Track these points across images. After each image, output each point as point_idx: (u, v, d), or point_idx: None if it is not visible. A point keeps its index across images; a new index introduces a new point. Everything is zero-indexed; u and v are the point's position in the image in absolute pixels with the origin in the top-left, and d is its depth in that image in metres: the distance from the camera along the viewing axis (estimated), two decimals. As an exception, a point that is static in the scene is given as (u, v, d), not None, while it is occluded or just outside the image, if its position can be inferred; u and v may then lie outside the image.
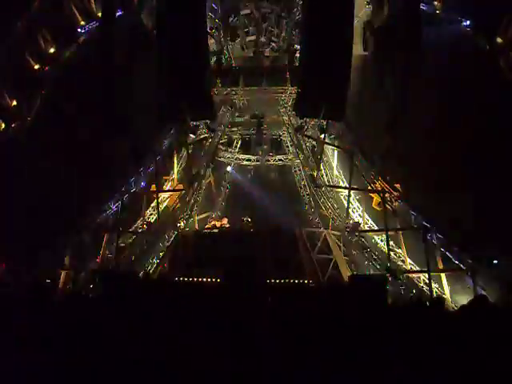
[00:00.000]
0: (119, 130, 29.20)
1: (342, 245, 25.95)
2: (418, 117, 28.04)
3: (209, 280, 22.82)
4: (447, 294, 23.75)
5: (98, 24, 31.81)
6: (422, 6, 29.47)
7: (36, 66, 30.94)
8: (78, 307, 14.86)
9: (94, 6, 31.64)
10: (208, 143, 29.48)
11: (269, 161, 30.52)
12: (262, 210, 28.72)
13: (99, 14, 31.67)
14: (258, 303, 14.75)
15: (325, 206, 27.40)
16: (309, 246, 25.27)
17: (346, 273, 24.20)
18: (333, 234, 26.36)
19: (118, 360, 11.93)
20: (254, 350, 12.43)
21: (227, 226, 28.82)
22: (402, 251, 25.68)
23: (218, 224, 29.03)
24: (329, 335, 13.08)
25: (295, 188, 30.29)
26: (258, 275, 19.65)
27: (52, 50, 31.23)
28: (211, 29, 29.35)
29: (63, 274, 25.95)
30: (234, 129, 30.67)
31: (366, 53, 30.19)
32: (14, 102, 30.18)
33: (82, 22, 31.82)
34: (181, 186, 28.37)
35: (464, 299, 20.93)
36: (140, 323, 13.45)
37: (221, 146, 30.63)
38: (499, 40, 27.79)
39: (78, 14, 31.56)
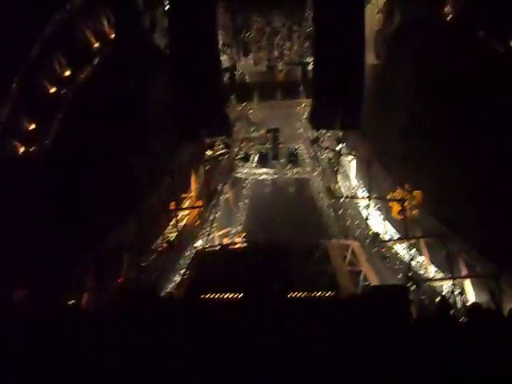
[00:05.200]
0: (136, 149, 29.39)
1: (364, 255, 25.73)
2: (434, 123, 27.93)
3: (233, 297, 22.66)
4: (470, 301, 23.48)
5: (111, 45, 32.09)
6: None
7: (52, 90, 31.25)
8: (102, 328, 14.90)
9: (107, 27, 31.91)
10: (225, 159, 29.53)
11: (286, 174, 30.40)
12: (284, 225, 28.53)
13: (112, 36, 31.95)
14: (284, 319, 14.68)
15: (344, 218, 27.25)
16: (340, 258, 25.10)
17: (374, 284, 24.00)
18: (356, 245, 26.17)
19: (140, 380, 11.93)
20: (276, 368, 12.35)
21: (243, 242, 28.65)
22: (424, 260, 25.42)
23: (238, 240, 28.94)
24: (352, 348, 12.97)
25: (314, 200, 30.13)
26: (287, 290, 19.58)
27: (67, 73, 31.54)
28: (223, 45, 29.44)
29: (85, 295, 26.04)
30: (250, 144, 30.62)
31: (379, 61, 30.12)
32: (32, 126, 30.49)
33: (96, 44, 32.09)
34: (199, 203, 28.42)
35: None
36: (162, 343, 13.43)
37: (237, 162, 30.59)
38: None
39: (91, 37, 31.85)
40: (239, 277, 22.89)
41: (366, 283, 24.06)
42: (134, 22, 30.95)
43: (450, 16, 29.41)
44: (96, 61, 32.18)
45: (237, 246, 28.35)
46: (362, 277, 24.46)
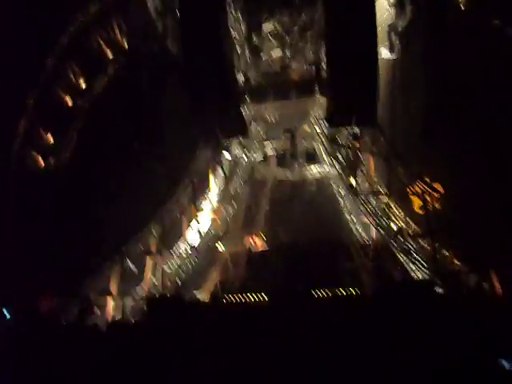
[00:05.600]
0: (155, 154, 29.55)
1: (389, 251, 25.62)
2: (452, 117, 27.71)
3: (260, 299, 22.68)
4: (499, 293, 23.21)
5: (125, 54, 32.27)
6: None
7: (69, 101, 31.49)
8: (127, 335, 15.06)
9: (119, 37, 32.08)
10: (243, 161, 29.58)
11: (305, 174, 30.33)
12: (306, 224, 28.46)
13: (125, 45, 32.11)
14: (310, 318, 14.72)
15: (366, 214, 27.13)
16: (362, 255, 25.08)
17: (397, 279, 23.93)
18: (379, 241, 26.08)
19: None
20: (306, 367, 12.38)
21: (266, 244, 28.67)
22: (448, 253, 25.22)
23: (260, 242, 28.93)
24: (378, 342, 12.96)
25: (335, 198, 30.04)
26: (310, 289, 19.61)
27: (83, 84, 31.75)
28: (236, 48, 29.50)
29: (110, 301, 26.25)
30: (267, 144, 30.61)
31: (393, 56, 29.94)
32: (51, 138, 30.74)
33: (110, 54, 32.27)
34: (220, 206, 28.47)
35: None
36: (189, 348, 13.53)
37: (256, 163, 30.61)
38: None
39: (105, 47, 32.04)
40: (263, 278, 22.95)
41: (391, 279, 23.98)
42: (147, 29, 31.10)
43: (463, 6, 29.07)
44: (111, 70, 32.34)
45: (259, 247, 28.38)
46: (385, 273, 24.38)
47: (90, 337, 16.59)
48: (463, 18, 28.45)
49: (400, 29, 29.85)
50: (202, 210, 29.16)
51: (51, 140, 30.71)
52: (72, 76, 31.55)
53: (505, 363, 12.17)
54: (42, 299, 25.01)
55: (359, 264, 24.23)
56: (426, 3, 28.88)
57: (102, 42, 31.79)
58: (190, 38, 26.95)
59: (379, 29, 27.67)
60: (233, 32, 29.06)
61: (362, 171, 28.36)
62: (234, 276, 25.05)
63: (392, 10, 30.34)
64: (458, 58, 27.65)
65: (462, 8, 28.57)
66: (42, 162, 30.44)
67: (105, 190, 28.65)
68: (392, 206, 26.88)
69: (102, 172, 29.15)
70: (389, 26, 30.12)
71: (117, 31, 32.00)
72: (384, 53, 29.66)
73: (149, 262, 27.29)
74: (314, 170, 30.42)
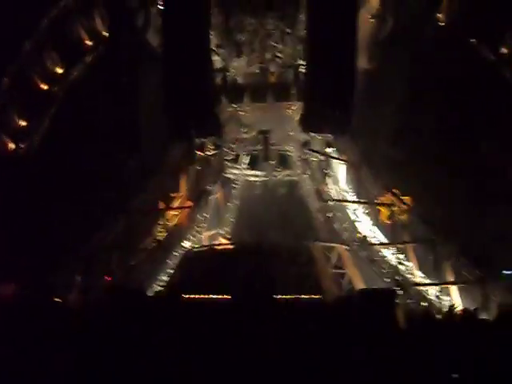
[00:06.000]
0: (127, 148, 29.38)
1: (351, 259, 25.84)
2: (426, 128, 28.08)
3: (220, 298, 22.67)
4: (458, 306, 23.56)
5: (104, 43, 31.98)
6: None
7: (44, 87, 31.08)
8: (87, 325, 14.93)
9: (100, 25, 31.80)
10: (215, 160, 29.58)
11: (276, 176, 30.43)
12: (272, 227, 28.55)
13: (105, 34, 31.84)
14: (270, 320, 14.75)
15: (332, 221, 27.36)
16: (325, 261, 25.24)
17: (359, 287, 24.11)
18: (343, 249, 26.27)
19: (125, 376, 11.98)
20: (263, 366, 12.42)
21: (231, 243, 28.69)
22: (411, 264, 25.53)
23: (225, 241, 28.97)
24: (337, 350, 13.06)
25: (303, 203, 30.18)
26: (271, 292, 19.63)
27: (60, 71, 31.38)
28: (216, 46, 29.49)
29: (73, 293, 26.01)
30: (240, 145, 30.64)
31: (372, 66, 30.24)
32: (23, 123, 30.29)
33: (89, 42, 31.95)
34: (189, 203, 28.42)
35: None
36: (148, 341, 13.49)
37: (228, 163, 30.63)
38: (504, 51, 27.69)
39: (84, 34, 31.71)
40: (225, 278, 22.95)
41: (351, 286, 24.17)
42: (128, 20, 30.89)
43: (443, 23, 29.50)
44: (89, 59, 32.02)
45: (224, 247, 28.37)
46: (346, 280, 24.59)
47: (50, 323, 16.36)
48: (441, 34, 28.91)
49: (380, 40, 30.19)
50: (171, 206, 29.07)
51: (23, 124, 30.24)
52: (49, 62, 31.13)
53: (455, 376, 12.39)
54: (3, 285, 24.68)
55: (321, 270, 24.38)
56: (406, 16, 29.23)
57: (81, 30, 31.45)
58: (170, 33, 26.93)
59: (359, 38, 27.95)
60: (214, 31, 29.07)
61: (331, 178, 28.62)
62: (196, 273, 24.98)
63: (373, 21, 30.67)
64: (434, 72, 28.08)
65: (441, 24, 29.06)
66: (12, 146, 29.96)
67: (74, 179, 28.33)
68: (359, 214, 27.16)
69: (72, 161, 28.83)
70: (369, 36, 30.45)
71: (98, 20, 31.67)
72: (362, 63, 29.96)
73: (114, 256, 27.09)
74: (285, 173, 30.52)
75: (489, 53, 27.57)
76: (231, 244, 28.35)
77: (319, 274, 24.00)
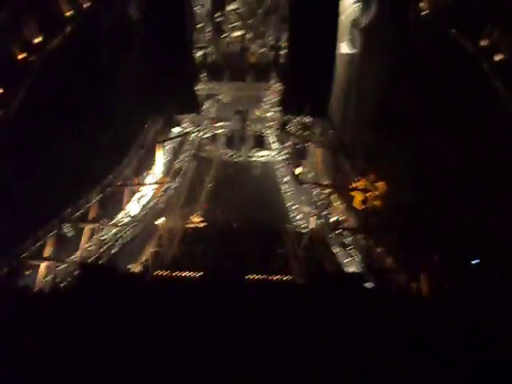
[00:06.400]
0: (103, 123, 29.08)
1: (323, 242, 26.02)
2: (405, 116, 28.20)
3: (190, 276, 22.76)
4: (425, 292, 23.92)
5: (84, 15, 31.45)
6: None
7: (21, 56, 30.52)
8: (57, 300, 14.85)
9: (81, -4, 31.25)
10: (191, 138, 29.48)
11: (252, 157, 30.45)
12: (245, 207, 28.61)
13: (86, 5, 31.30)
14: (239, 300, 14.84)
15: (307, 204, 27.49)
16: (294, 243, 25.39)
17: (328, 269, 24.31)
18: (315, 232, 26.44)
19: (92, 354, 11.96)
20: (233, 347, 12.51)
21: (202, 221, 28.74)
22: (381, 249, 25.79)
23: (198, 220, 28.96)
24: (305, 331, 13.19)
25: (278, 185, 30.28)
26: (241, 270, 19.74)
27: (37, 40, 30.81)
28: (198, 23, 29.26)
29: (43, 265, 25.89)
30: (217, 124, 30.55)
31: (353, 51, 30.26)
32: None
33: (68, 13, 31.38)
34: (164, 179, 28.35)
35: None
36: (118, 318, 13.47)
37: (204, 141, 30.55)
38: (483, 43, 27.86)
39: (64, 5, 31.13)
40: (195, 255, 23.08)
41: (320, 268, 24.37)
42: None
43: (425, 12, 29.56)
44: (68, 29, 31.47)
45: (196, 224, 28.37)
46: (316, 262, 24.79)
47: (19, 297, 16.25)
48: (423, 22, 28.97)
49: (362, 25, 30.19)
50: (145, 182, 28.98)
51: (-1, 92, 29.74)
52: (27, 31, 30.54)
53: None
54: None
55: (290, 251, 24.57)
56: (389, 3, 29.22)
57: (61, 0, 30.89)
58: (152, 7, 26.64)
59: (342, 24, 27.95)
60: (196, 7, 28.83)
61: (307, 161, 28.73)
62: (166, 250, 25.03)
63: (356, 7, 30.62)
64: (414, 58, 28.17)
65: (424, 12, 29.10)
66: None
67: (47, 152, 27.98)
68: (333, 198, 27.32)
69: (46, 132, 28.44)
70: (352, 21, 30.42)
71: (78, -10, 31.19)
72: (344, 47, 29.97)
73: (86, 229, 26.95)
74: (261, 154, 30.54)
75: (469, 44, 27.71)
76: (203, 222, 28.38)
77: (288, 255, 24.21)
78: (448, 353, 11.67)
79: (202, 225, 28.08)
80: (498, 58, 26.58)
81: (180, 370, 11.42)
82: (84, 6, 31.38)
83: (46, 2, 30.49)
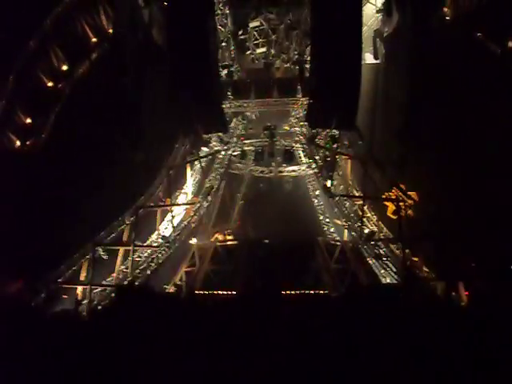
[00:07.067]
0: (133, 144, 29.37)
1: (358, 254, 25.81)
2: (431, 125, 27.91)
3: (226, 293, 22.75)
4: (464, 303, 23.49)
5: (109, 40, 31.96)
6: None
7: (49, 84, 31.10)
8: (95, 323, 14.94)
9: (105, 22, 31.78)
10: (221, 156, 29.60)
11: (282, 172, 30.42)
12: (277, 222, 28.55)
13: (110, 31, 31.82)
14: (274, 315, 14.74)
15: (339, 216, 27.31)
16: (326, 256, 25.25)
17: (363, 282, 24.07)
18: (349, 244, 26.26)
19: (131, 376, 11.96)
20: (270, 361, 12.40)
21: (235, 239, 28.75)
22: (417, 259, 25.47)
23: (229, 237, 29.01)
24: (344, 345, 13.02)
25: (309, 198, 30.18)
26: (275, 287, 19.64)
27: (65, 68, 31.37)
28: (221, 42, 29.50)
29: (79, 289, 26.16)
30: (246, 141, 30.63)
31: (378, 61, 30.16)
32: (29, 120, 30.33)
33: (94, 39, 31.94)
34: (195, 199, 28.44)
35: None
36: (156, 338, 13.48)
37: (234, 159, 30.64)
38: (511, 44, 27.45)
39: (89, 31, 31.70)
40: (227, 274, 23.07)
41: (354, 282, 24.16)
42: (133, 17, 30.85)
43: (449, 17, 29.33)
44: (94, 55, 32.01)
45: (229, 242, 28.39)
46: (350, 275, 24.61)
47: (57, 320, 16.42)
48: (447, 28, 28.73)
49: (385, 35, 30.08)
50: (177, 202, 29.13)
51: (29, 122, 30.27)
52: (54, 59, 31.13)
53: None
54: (11, 282, 24.76)
55: (322, 265, 24.43)
56: (412, 11, 29.04)
57: (86, 27, 31.42)
58: (175, 29, 26.87)
59: (365, 34, 27.85)
60: (219, 26, 29.08)
61: (338, 173, 28.56)
62: (198, 270, 25.10)
63: (378, 16, 30.56)
64: (440, 67, 27.88)
65: (447, 18, 28.87)
66: (17, 143, 29.99)
67: (80, 176, 28.35)
68: (365, 209, 27.09)
69: (77, 158, 28.84)
70: (374, 31, 30.35)
71: (102, 17, 31.65)
72: (368, 58, 29.89)
73: (120, 252, 27.19)
74: (291, 169, 30.49)
75: (495, 47, 27.36)
76: (235, 240, 28.39)
77: (320, 268, 24.08)
78: (495, 363, 11.41)
79: (233, 242, 28.10)
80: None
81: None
82: (108, 31, 31.90)
83: (71, 29, 31.05)
